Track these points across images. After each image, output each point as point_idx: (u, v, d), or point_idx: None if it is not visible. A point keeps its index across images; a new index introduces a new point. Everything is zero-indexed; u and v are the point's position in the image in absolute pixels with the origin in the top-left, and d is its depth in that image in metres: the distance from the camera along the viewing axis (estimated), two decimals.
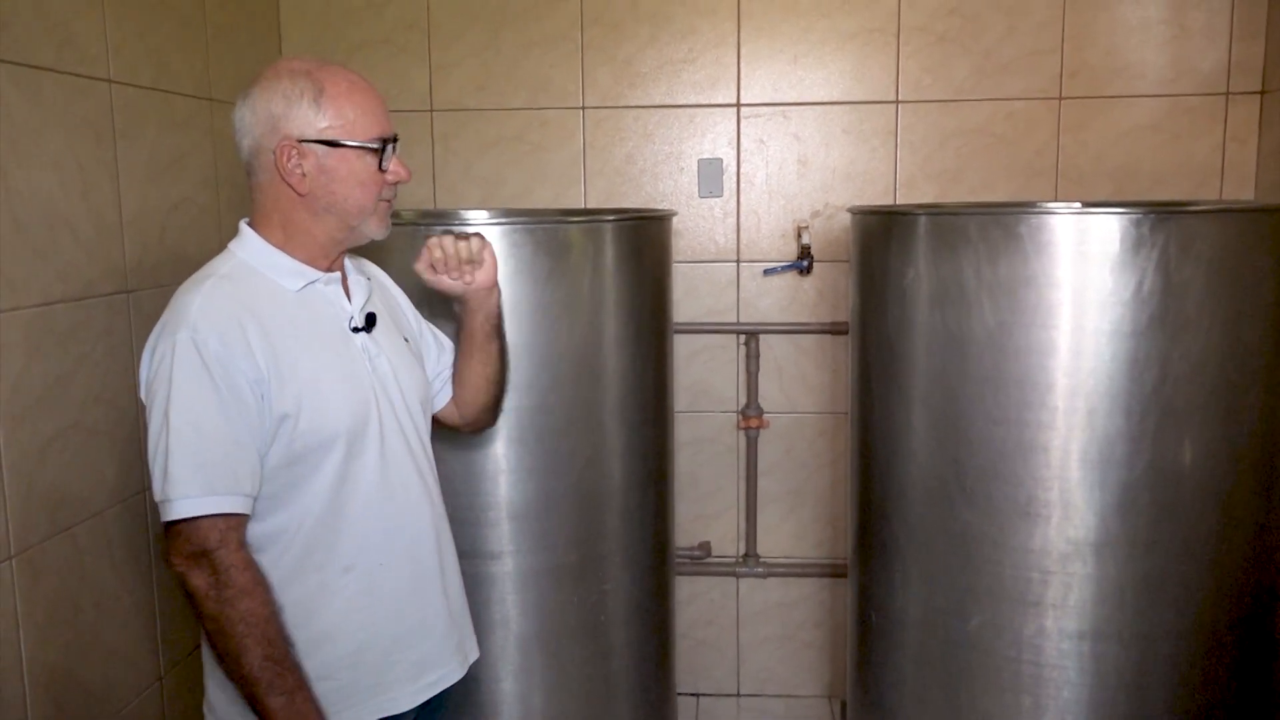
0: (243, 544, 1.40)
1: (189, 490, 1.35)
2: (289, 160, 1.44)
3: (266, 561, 1.44)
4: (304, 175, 1.45)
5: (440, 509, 1.65)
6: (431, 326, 1.82)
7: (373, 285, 1.65)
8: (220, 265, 1.49)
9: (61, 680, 1.87)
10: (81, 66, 1.95)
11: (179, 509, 1.35)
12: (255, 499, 1.42)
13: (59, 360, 1.86)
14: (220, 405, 1.37)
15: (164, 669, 2.20)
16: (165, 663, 2.21)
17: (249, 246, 1.50)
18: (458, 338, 1.78)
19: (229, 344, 1.38)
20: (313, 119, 1.44)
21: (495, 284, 1.71)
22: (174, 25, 2.30)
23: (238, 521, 1.39)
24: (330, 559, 1.47)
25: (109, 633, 2.01)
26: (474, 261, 1.66)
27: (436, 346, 1.80)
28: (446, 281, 1.67)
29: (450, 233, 1.67)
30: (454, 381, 1.80)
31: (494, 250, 1.69)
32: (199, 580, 1.36)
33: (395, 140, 1.52)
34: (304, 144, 1.44)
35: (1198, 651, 1.98)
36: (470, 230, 1.71)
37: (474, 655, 1.72)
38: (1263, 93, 2.74)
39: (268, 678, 1.36)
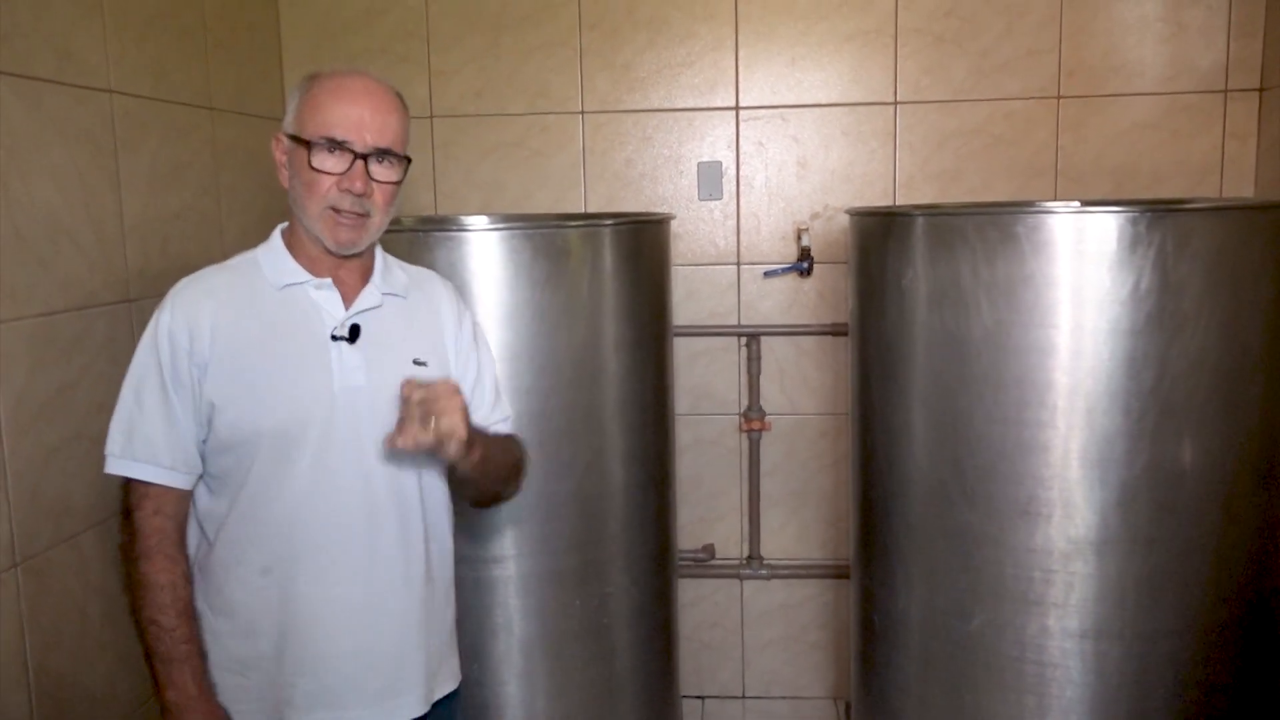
0: (158, 511, 1.48)
1: (112, 449, 1.49)
2: (276, 150, 1.54)
3: (205, 542, 1.52)
4: (283, 168, 1.53)
5: (395, 544, 1.53)
6: (496, 382, 1.71)
7: (405, 303, 1.59)
8: (232, 258, 1.58)
9: (67, 687, 1.87)
10: (82, 77, 1.96)
11: (107, 464, 1.49)
12: (192, 476, 1.50)
13: (62, 370, 1.87)
14: (159, 380, 1.47)
15: None
16: None
17: (269, 244, 1.58)
18: None
19: (182, 324, 1.47)
20: (291, 114, 1.51)
21: (461, 455, 1.44)
22: (173, 35, 2.31)
23: (158, 491, 1.48)
24: (249, 556, 1.49)
25: (114, 640, 2.02)
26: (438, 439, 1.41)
27: (485, 404, 1.66)
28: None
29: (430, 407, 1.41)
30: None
31: (457, 445, 1.41)
32: (123, 535, 1.50)
33: (376, 154, 1.48)
34: (285, 137, 1.52)
35: (1200, 649, 1.98)
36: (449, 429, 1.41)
37: (410, 714, 1.56)
38: (1261, 90, 2.74)
39: (149, 640, 1.47)
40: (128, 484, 1.49)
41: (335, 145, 1.46)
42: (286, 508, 1.48)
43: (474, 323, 1.71)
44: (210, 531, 1.51)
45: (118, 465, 1.49)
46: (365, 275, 1.58)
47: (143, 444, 1.47)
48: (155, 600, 1.46)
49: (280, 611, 1.50)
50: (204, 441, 1.49)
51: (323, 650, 1.50)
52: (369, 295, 1.56)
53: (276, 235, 1.58)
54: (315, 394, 1.48)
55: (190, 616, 1.49)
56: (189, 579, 1.50)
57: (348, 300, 1.54)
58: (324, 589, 1.50)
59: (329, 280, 1.53)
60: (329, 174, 1.46)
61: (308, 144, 1.46)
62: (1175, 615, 1.95)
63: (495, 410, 1.70)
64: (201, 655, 1.49)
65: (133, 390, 1.48)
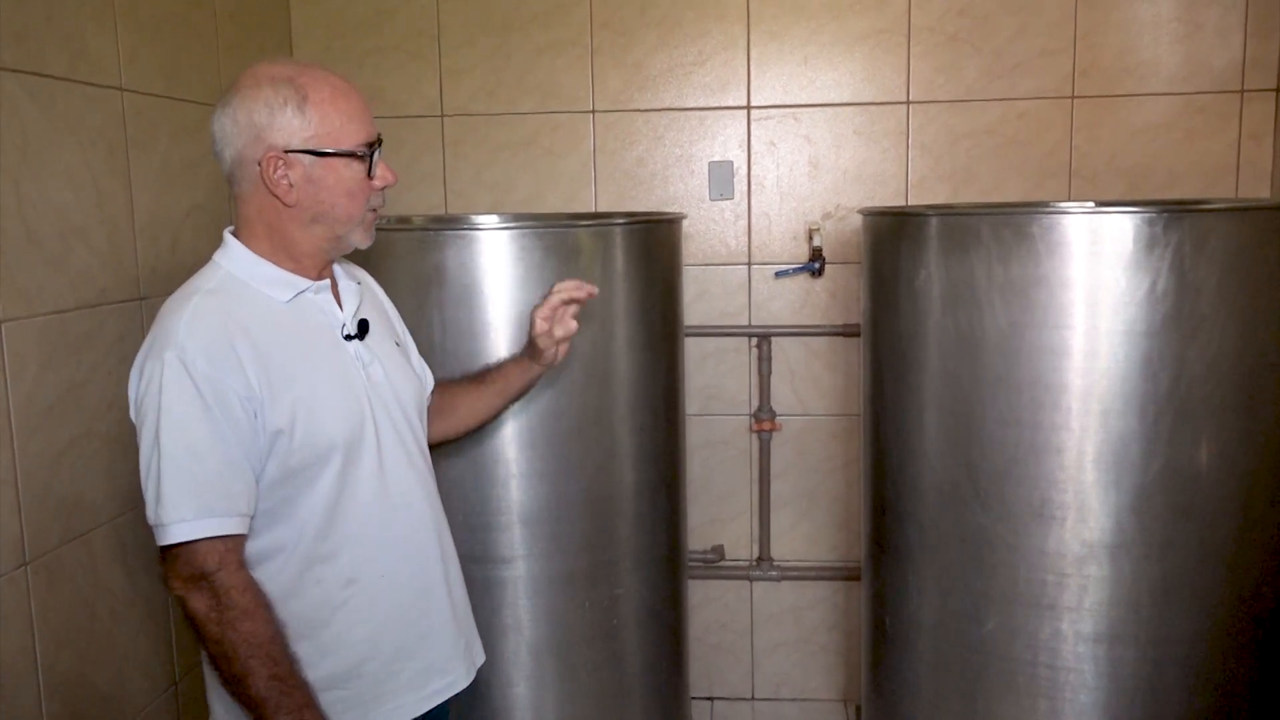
0: (242, 564, 1.38)
1: (184, 514, 1.33)
2: (275, 171, 1.41)
3: (266, 576, 1.43)
4: (291, 186, 1.42)
5: (440, 513, 1.63)
6: (414, 347, 1.80)
7: (363, 290, 1.62)
8: (206, 279, 1.46)
9: (76, 686, 1.87)
10: (94, 76, 1.96)
11: (175, 533, 1.34)
12: (252, 517, 1.40)
13: (72, 368, 1.87)
14: (212, 425, 1.34)
15: (179, 674, 2.21)
16: (180, 668, 2.21)
17: (235, 258, 1.47)
18: (482, 379, 1.83)
19: (218, 362, 1.35)
20: (297, 127, 1.40)
21: (546, 369, 1.79)
22: (185, 34, 2.31)
23: (235, 542, 1.37)
24: (330, 572, 1.46)
25: (124, 638, 2.02)
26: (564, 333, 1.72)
27: (416, 361, 1.76)
28: (540, 324, 1.71)
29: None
30: (436, 406, 1.78)
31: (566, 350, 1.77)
32: (199, 604, 1.35)
33: (380, 143, 1.48)
34: (290, 154, 1.40)
35: (1215, 654, 1.96)
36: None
37: (480, 659, 1.70)
38: (1278, 90, 2.72)
39: (275, 698, 1.35)
40: (192, 548, 1.34)
41: (370, 149, 1.46)
42: (362, 513, 1.47)
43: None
44: (275, 566, 1.44)
45: (196, 528, 1.33)
46: (331, 272, 1.57)
47: (217, 498, 1.34)
48: (271, 655, 1.35)
49: (372, 613, 1.49)
50: (259, 476, 1.41)
51: (427, 628, 1.56)
52: (350, 290, 1.57)
53: (241, 247, 1.46)
54: (358, 395, 1.48)
55: (297, 658, 1.41)
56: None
57: (335, 299, 1.54)
58: (414, 576, 1.54)
59: (326, 283, 1.52)
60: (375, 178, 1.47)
61: (361, 158, 1.44)
62: (1190, 620, 1.94)
63: (423, 364, 1.81)
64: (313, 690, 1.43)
65: (180, 445, 1.33)
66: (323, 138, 1.41)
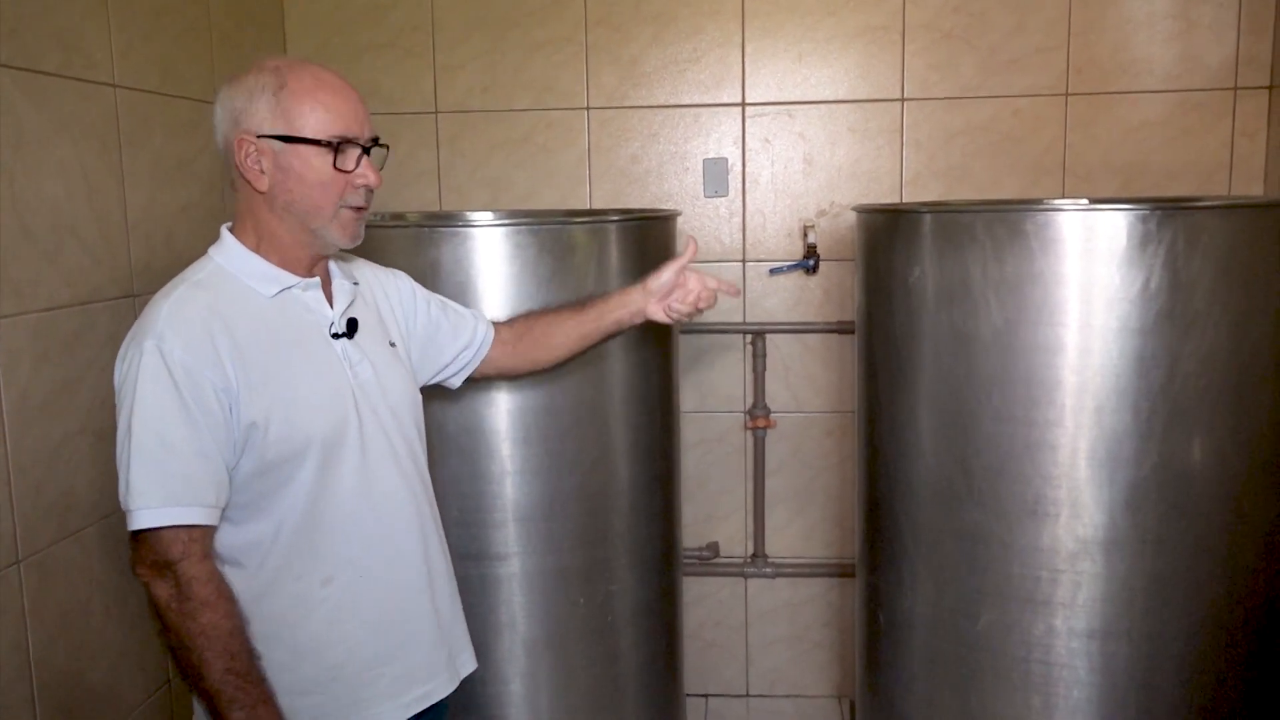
0: (207, 555, 1.38)
1: (150, 500, 1.34)
2: (246, 155, 1.42)
3: (245, 573, 1.43)
4: (262, 171, 1.43)
5: (430, 518, 1.61)
6: (449, 303, 1.80)
7: (360, 289, 1.61)
8: (196, 271, 1.46)
9: (70, 683, 1.87)
10: (87, 72, 1.96)
11: (140, 519, 1.34)
12: (223, 509, 1.40)
13: (65, 365, 1.87)
14: (185, 415, 1.34)
15: (172, 672, 2.21)
16: (174, 666, 2.21)
17: (226, 251, 1.47)
18: (583, 305, 1.86)
19: (195, 353, 1.36)
20: (269, 113, 1.41)
21: (648, 317, 1.82)
22: (179, 30, 2.31)
23: (201, 533, 1.37)
24: (309, 570, 1.45)
25: (117, 636, 2.02)
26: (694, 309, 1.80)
27: (453, 323, 1.78)
28: (670, 278, 1.78)
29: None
30: (529, 335, 1.85)
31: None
32: (161, 591, 1.36)
33: (371, 145, 1.47)
34: (261, 139, 1.42)
35: (1208, 650, 1.97)
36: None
37: (468, 668, 1.67)
38: (1271, 88, 2.73)
39: (229, 692, 1.35)
40: (157, 535, 1.35)
41: (347, 143, 1.44)
42: (341, 511, 1.46)
43: (398, 273, 1.76)
44: (253, 562, 1.44)
45: (161, 515, 1.34)
46: (325, 270, 1.56)
47: (183, 486, 1.35)
48: (228, 649, 1.36)
49: (350, 614, 1.48)
50: (233, 469, 1.41)
51: (408, 632, 1.54)
52: (343, 289, 1.56)
53: (233, 240, 1.48)
54: (342, 393, 1.48)
55: (257, 655, 1.41)
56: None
57: (326, 297, 1.54)
58: (394, 579, 1.53)
59: (316, 280, 1.52)
60: (348, 172, 1.45)
61: (329, 146, 1.42)
62: (1184, 616, 1.94)
63: (467, 315, 1.82)
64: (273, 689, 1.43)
65: (151, 433, 1.34)
66: (292, 125, 1.42)
